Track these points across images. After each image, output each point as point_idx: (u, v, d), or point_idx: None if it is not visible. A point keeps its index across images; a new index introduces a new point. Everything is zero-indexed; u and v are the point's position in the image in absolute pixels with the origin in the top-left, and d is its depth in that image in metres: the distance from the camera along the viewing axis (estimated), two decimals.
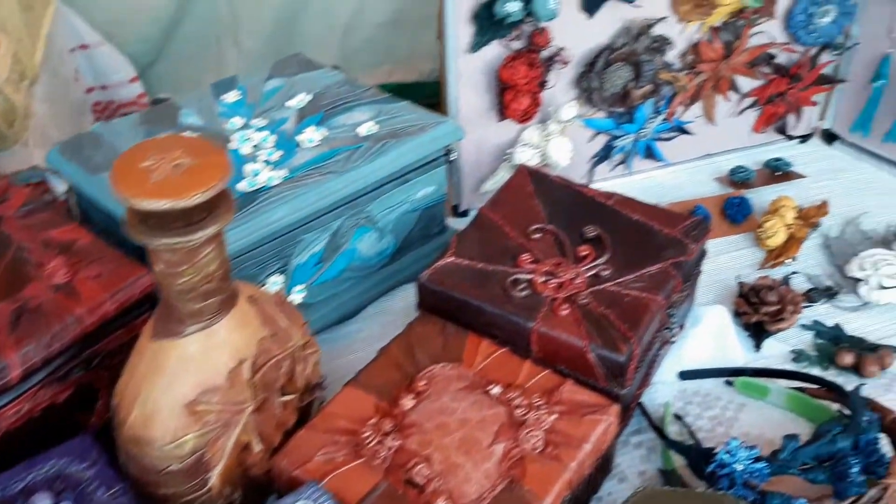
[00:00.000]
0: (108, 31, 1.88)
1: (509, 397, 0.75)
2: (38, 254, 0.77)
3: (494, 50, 0.99)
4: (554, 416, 0.74)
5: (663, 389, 0.89)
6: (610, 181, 1.15)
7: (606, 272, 0.84)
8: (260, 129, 0.93)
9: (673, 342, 0.88)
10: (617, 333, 0.78)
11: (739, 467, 0.72)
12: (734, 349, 0.93)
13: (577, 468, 0.71)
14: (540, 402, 0.75)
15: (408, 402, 0.76)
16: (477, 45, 0.98)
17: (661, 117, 1.13)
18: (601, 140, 1.12)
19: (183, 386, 0.65)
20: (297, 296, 0.89)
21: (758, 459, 0.72)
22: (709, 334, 0.93)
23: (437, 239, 1.02)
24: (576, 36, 1.02)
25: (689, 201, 1.12)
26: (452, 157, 0.99)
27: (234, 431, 0.67)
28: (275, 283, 0.86)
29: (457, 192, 1.10)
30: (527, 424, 0.73)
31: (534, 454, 0.71)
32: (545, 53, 1.00)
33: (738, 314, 0.96)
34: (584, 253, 0.86)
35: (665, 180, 1.18)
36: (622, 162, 1.16)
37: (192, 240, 0.60)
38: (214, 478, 0.67)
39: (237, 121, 0.95)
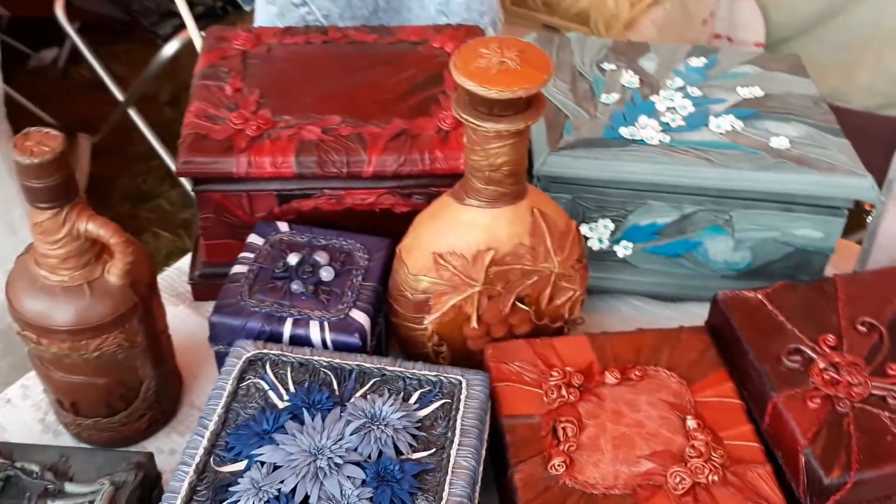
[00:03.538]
0: None
1: (696, 435, 0.73)
2: (445, 98, 0.93)
3: None
4: (715, 479, 0.70)
5: None
6: None
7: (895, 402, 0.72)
8: (688, 97, 0.95)
9: None
10: (844, 456, 0.69)
11: None
12: None
13: None
14: (717, 459, 0.71)
15: (612, 378, 0.78)
16: None
17: None
18: None
19: (442, 239, 0.78)
20: (622, 250, 0.93)
21: None
22: None
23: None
24: None
25: None
26: (869, 217, 0.90)
27: (456, 296, 0.78)
28: (603, 225, 0.92)
29: (863, 255, 0.99)
30: (686, 465, 0.71)
31: (671, 493, 0.69)
32: None
33: None
34: (892, 372, 0.75)
35: None
36: None
37: (482, 127, 0.70)
38: (429, 322, 0.80)
39: (679, 81, 0.98)
